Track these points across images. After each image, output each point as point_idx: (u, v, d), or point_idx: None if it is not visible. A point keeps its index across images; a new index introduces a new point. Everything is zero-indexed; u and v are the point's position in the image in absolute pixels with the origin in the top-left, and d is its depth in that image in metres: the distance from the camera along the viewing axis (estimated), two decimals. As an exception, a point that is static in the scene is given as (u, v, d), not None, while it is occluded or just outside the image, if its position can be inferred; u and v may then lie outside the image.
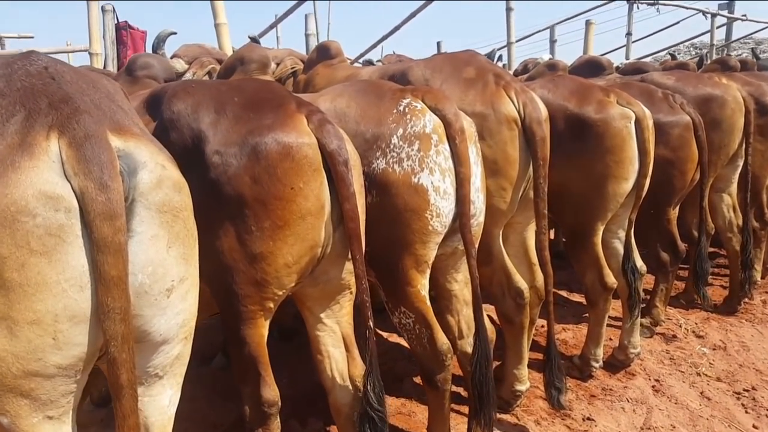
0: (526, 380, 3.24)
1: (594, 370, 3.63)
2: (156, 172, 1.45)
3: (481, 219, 2.68)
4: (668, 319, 4.55)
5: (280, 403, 2.13)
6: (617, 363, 3.77)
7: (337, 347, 2.31)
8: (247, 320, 2.05)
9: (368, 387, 2.13)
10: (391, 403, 3.31)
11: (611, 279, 3.44)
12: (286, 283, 2.05)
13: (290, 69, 4.76)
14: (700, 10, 13.48)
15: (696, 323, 4.56)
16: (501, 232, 3.10)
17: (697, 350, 4.12)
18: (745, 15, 14.32)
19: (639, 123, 3.27)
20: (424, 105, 2.48)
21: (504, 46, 9.18)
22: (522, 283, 3.10)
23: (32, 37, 8.37)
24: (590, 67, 6.26)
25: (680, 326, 4.49)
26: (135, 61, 3.33)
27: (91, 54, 5.71)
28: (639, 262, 3.63)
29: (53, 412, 1.40)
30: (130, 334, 1.35)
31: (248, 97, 2.17)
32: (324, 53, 4.48)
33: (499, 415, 3.21)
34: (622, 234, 3.60)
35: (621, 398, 3.43)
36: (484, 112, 2.87)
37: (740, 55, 13.51)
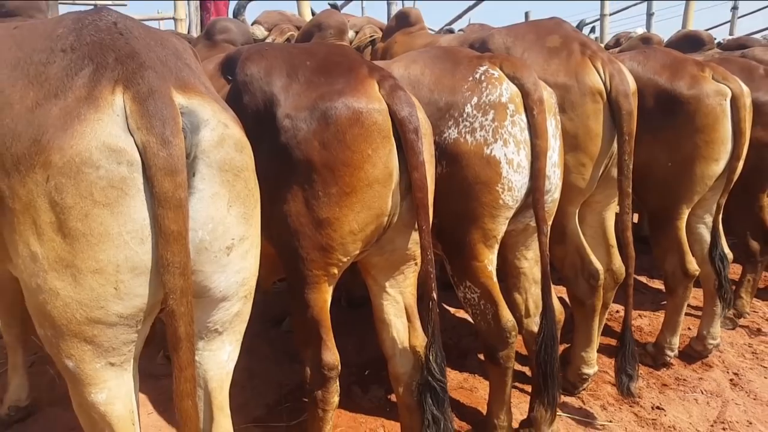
0: (594, 364, 3.14)
1: (668, 359, 3.46)
2: (218, 131, 1.45)
3: (557, 195, 2.58)
4: (754, 311, 4.26)
5: (339, 367, 2.15)
6: (694, 353, 3.57)
7: (399, 317, 2.30)
8: (312, 284, 2.06)
9: (430, 357, 2.11)
10: (454, 377, 3.29)
11: (693, 266, 3.25)
12: (351, 249, 2.04)
13: (369, 37, 4.72)
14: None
15: (786, 318, 4.25)
16: (577, 211, 2.97)
17: (785, 346, 3.85)
18: None
19: (735, 101, 3.03)
20: (501, 73, 2.38)
21: (597, 19, 8.74)
22: (597, 265, 2.97)
23: (125, 5, 8.66)
24: (689, 42, 5.84)
25: (767, 320, 4.20)
26: (214, 26, 3.38)
27: (175, 20, 5.88)
28: (726, 250, 3.41)
29: (115, 359, 1.45)
30: (189, 289, 1.37)
31: (320, 61, 2.16)
32: (403, 20, 4.41)
33: (564, 398, 3.13)
34: (708, 219, 3.38)
35: (695, 389, 3.25)
36: (567, 83, 2.73)
37: None
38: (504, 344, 2.47)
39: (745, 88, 3.11)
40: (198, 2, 5.84)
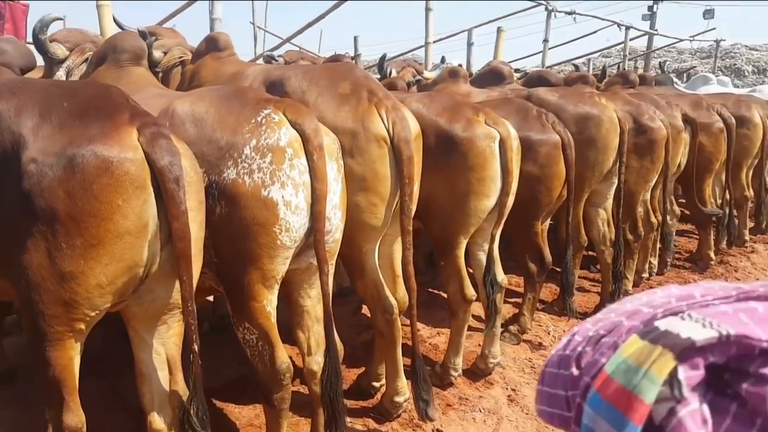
0: (406, 391, 3.28)
1: (453, 378, 3.71)
2: None
3: (338, 236, 2.70)
4: (538, 326, 4.69)
5: (85, 430, 2.05)
6: (478, 371, 3.87)
7: (160, 369, 2.24)
8: (53, 341, 1.95)
9: (191, 411, 2.09)
10: (245, 414, 3.27)
11: (471, 291, 3.54)
12: (99, 304, 1.97)
13: (178, 58, 4.59)
14: (614, 22, 14.13)
15: (564, 330, 4.72)
16: (376, 248, 3.13)
17: (559, 359, 4.28)
18: (656, 29, 15.06)
19: (503, 143, 3.38)
20: (283, 117, 2.46)
21: (422, 46, 9.27)
22: (391, 300, 3.14)
23: None
24: (492, 76, 6.51)
25: (549, 333, 4.65)
26: (-15, 46, 3.07)
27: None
28: (500, 276, 3.74)
29: None
30: None
31: (79, 103, 2.08)
32: (212, 45, 4.36)
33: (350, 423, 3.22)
34: (487, 247, 3.71)
35: (474, 408, 3.52)
36: (355, 130, 2.90)
37: (665, 62, 14.28)
38: (279, 386, 2.52)
39: (513, 131, 3.48)
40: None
